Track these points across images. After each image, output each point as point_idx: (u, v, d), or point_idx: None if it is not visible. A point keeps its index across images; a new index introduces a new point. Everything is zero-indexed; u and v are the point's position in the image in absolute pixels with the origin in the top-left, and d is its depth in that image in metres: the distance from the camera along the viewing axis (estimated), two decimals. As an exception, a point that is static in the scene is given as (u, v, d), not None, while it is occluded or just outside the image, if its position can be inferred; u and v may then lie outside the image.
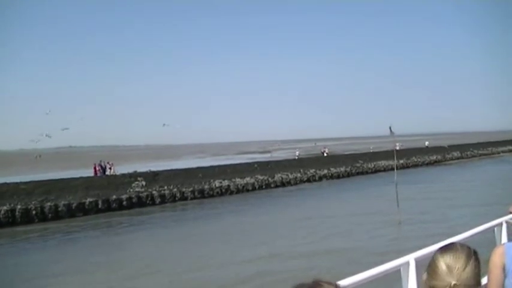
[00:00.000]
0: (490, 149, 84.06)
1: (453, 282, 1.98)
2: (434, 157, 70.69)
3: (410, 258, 3.33)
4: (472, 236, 4.13)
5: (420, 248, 3.59)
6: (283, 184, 47.43)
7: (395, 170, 27.41)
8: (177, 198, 38.59)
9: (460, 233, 4.19)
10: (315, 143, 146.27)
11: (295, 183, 48.44)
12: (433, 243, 3.44)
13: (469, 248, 2.13)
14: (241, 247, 21.76)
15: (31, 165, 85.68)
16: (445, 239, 2.54)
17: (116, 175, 40.60)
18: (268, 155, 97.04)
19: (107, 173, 42.57)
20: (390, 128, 24.99)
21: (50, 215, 31.87)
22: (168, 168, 46.80)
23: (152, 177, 40.23)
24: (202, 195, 40.35)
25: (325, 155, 67.99)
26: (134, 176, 39.67)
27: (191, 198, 39.29)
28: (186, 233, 26.24)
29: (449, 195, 35.31)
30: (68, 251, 23.57)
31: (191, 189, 39.91)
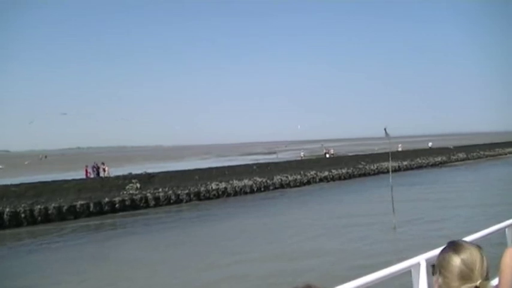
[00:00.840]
0: (496, 150, 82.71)
1: (478, 282, 1.95)
2: (439, 158, 69.56)
3: (421, 259, 3.27)
4: (482, 237, 4.03)
5: (416, 252, 3.51)
6: (283, 186, 46.58)
7: (390, 173, 26.53)
8: (172, 201, 37.85)
9: (467, 235, 3.95)
10: (322, 144, 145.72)
11: (295, 186, 47.56)
12: (430, 247, 3.40)
13: (472, 243, 2.13)
14: (227, 251, 21.05)
15: (33, 167, 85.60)
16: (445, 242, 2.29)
17: (109, 177, 39.93)
18: (274, 156, 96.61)
19: (101, 175, 41.92)
20: (385, 129, 24.16)
21: (39, 218, 31.24)
22: (166, 169, 46.16)
23: (147, 179, 39.59)
24: (198, 197, 39.57)
25: (327, 156, 67.10)
26: (129, 178, 39.01)
27: (186, 201, 38.55)
28: (173, 238, 25.60)
29: (451, 197, 34.61)
30: (55, 255, 22.97)
31: (187, 191, 39.15)
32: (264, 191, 44.44)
